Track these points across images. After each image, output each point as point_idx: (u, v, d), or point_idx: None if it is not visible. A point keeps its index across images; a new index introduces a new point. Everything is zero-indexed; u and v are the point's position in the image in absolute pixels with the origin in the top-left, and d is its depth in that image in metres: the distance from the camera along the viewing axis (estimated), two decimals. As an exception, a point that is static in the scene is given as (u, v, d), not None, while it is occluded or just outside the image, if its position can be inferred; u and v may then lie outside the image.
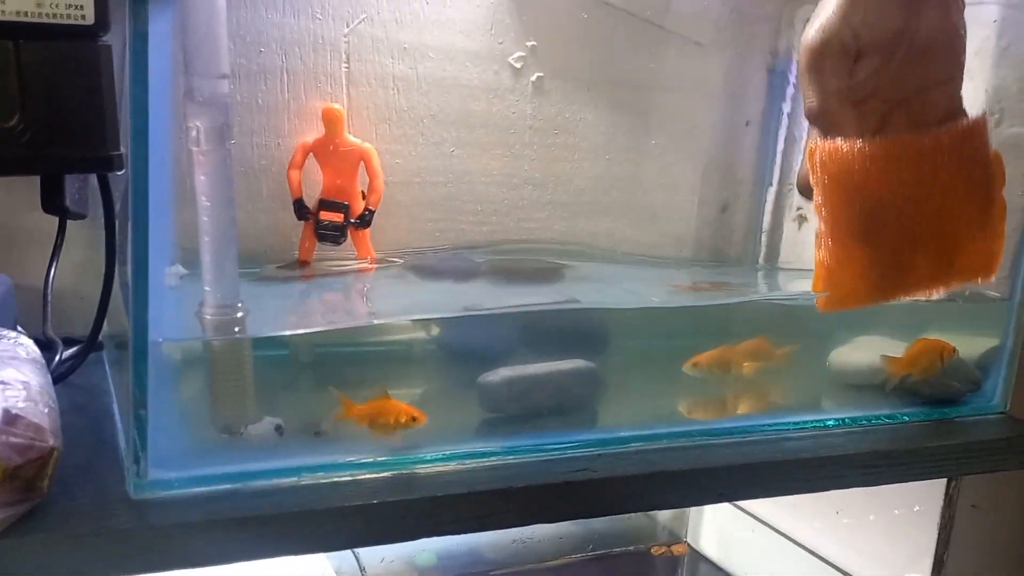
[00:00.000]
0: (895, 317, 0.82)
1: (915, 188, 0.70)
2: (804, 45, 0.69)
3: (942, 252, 0.72)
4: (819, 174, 0.69)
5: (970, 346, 0.83)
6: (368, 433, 0.62)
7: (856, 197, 0.69)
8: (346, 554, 0.91)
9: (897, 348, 0.81)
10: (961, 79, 0.72)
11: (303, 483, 0.58)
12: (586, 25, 0.95)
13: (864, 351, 0.82)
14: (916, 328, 0.82)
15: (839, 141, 0.68)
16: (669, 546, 1.15)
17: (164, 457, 0.54)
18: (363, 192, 0.85)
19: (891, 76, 0.71)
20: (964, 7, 0.70)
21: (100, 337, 0.72)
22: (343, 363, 0.67)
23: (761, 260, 1.07)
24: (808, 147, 0.70)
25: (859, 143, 0.69)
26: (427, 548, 1.04)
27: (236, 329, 0.58)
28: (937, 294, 0.75)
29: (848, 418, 0.76)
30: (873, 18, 0.68)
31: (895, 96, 0.71)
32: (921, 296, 0.74)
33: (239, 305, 0.57)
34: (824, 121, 0.69)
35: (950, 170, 0.71)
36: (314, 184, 0.85)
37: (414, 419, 0.62)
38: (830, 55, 0.68)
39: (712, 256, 1.07)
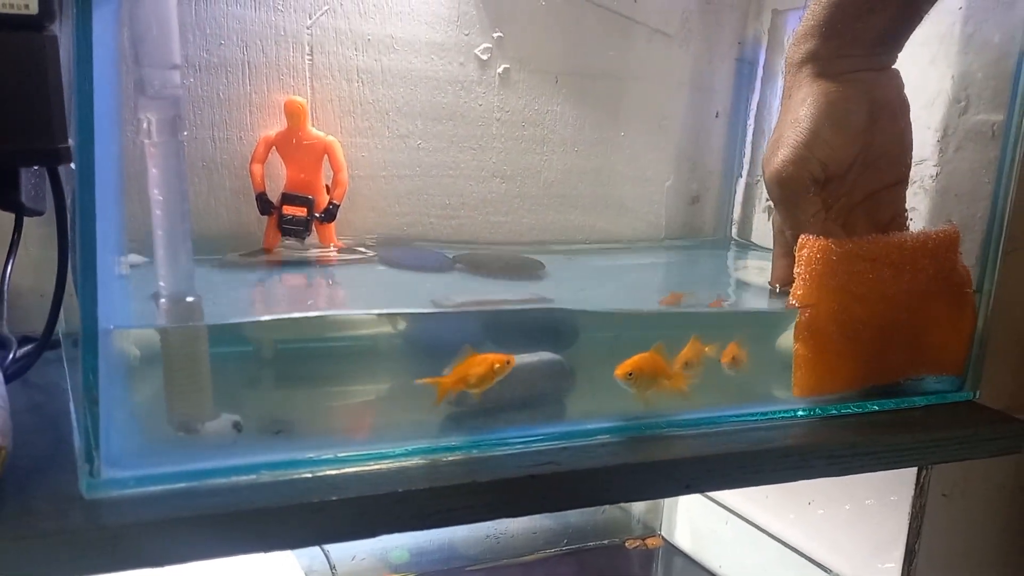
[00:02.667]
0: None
1: (893, 286, 0.75)
2: (775, 178, 0.74)
3: (913, 347, 0.77)
4: (804, 269, 0.73)
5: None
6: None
7: (838, 293, 0.73)
8: (316, 553, 0.90)
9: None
10: (907, 180, 0.78)
11: (262, 480, 0.57)
12: (553, 16, 0.94)
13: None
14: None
15: (828, 241, 0.72)
16: (643, 539, 1.15)
17: (118, 455, 0.53)
18: (327, 186, 0.84)
19: (850, 185, 0.76)
20: (909, 109, 0.77)
21: (59, 335, 0.71)
22: (305, 358, 0.66)
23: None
24: (799, 242, 0.73)
25: (847, 243, 0.73)
26: (400, 545, 1.04)
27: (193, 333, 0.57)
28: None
29: (817, 408, 0.76)
30: (838, 151, 0.74)
31: (853, 200, 0.77)
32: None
33: (194, 298, 0.56)
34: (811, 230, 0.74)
35: (928, 272, 0.76)
36: (278, 178, 0.84)
37: (508, 362, 0.64)
38: (802, 189, 0.74)
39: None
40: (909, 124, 0.77)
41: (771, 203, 0.84)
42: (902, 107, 0.77)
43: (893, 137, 0.76)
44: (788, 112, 0.76)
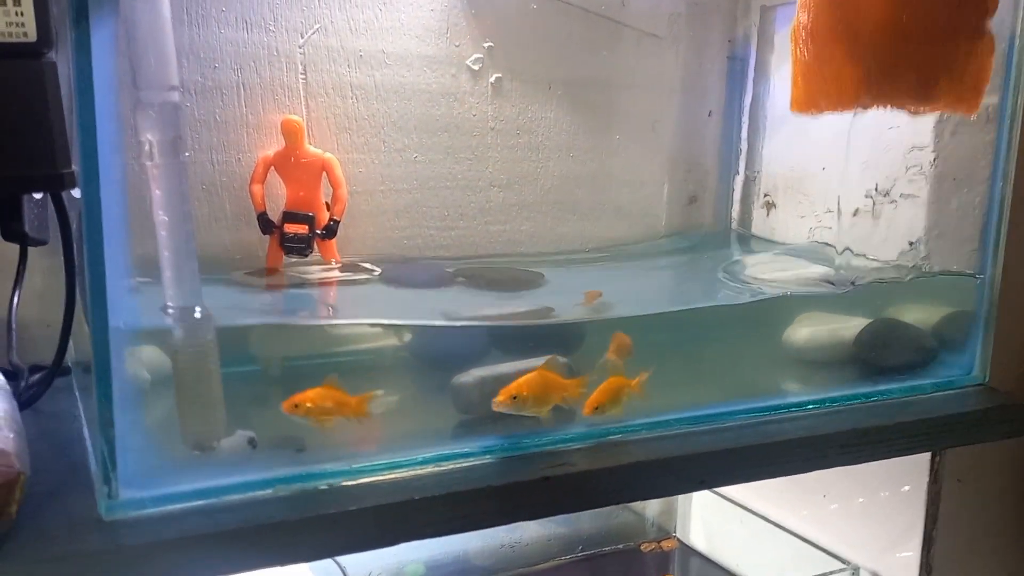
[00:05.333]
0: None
1: None
2: None
3: (926, 71, 0.71)
4: None
5: (925, 315, 0.84)
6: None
7: None
8: (332, 568, 0.90)
9: (837, 321, 0.81)
10: None
11: (279, 495, 0.57)
12: (542, 24, 0.95)
13: (813, 326, 0.82)
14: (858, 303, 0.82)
15: None
16: (659, 542, 1.14)
17: (135, 476, 0.53)
18: (327, 203, 0.85)
19: None
20: None
21: (69, 362, 0.72)
22: (313, 374, 0.66)
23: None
24: None
25: None
26: (415, 558, 1.03)
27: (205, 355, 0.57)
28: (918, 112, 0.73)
29: (827, 399, 0.76)
30: None
31: None
32: (900, 109, 0.72)
33: (203, 314, 0.56)
34: None
35: None
36: (278, 197, 0.84)
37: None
38: None
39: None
40: None
41: (768, 199, 0.83)
42: None
43: None
44: None
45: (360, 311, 0.83)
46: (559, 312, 0.79)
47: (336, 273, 0.85)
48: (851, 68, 0.69)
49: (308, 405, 0.60)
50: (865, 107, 0.70)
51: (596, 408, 0.66)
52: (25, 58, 0.52)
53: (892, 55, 0.70)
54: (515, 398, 0.63)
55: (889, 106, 0.71)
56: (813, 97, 0.69)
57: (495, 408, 0.63)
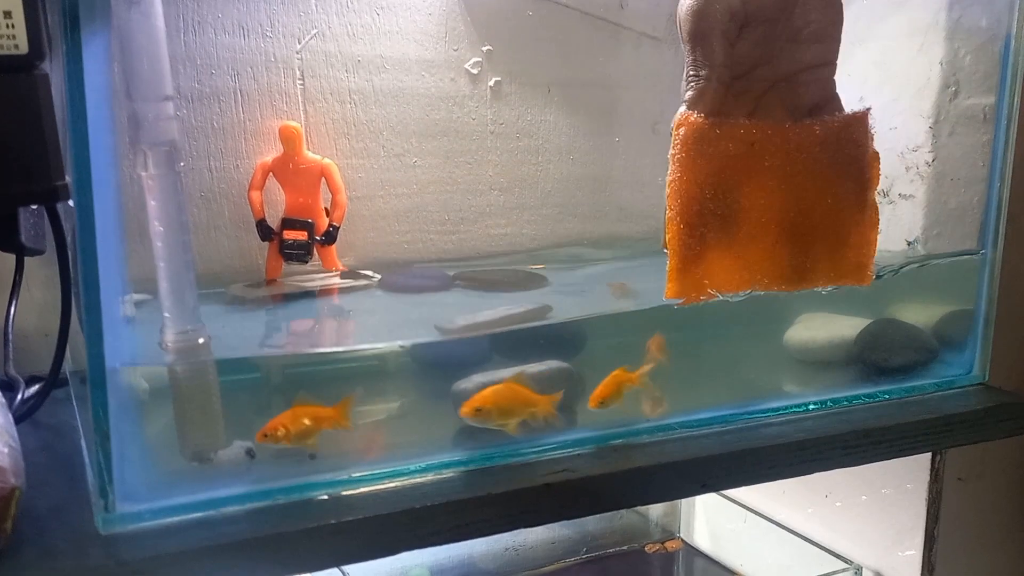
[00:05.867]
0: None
1: (783, 178, 0.68)
2: (689, 8, 0.65)
3: (809, 250, 0.70)
4: (680, 149, 0.65)
5: (924, 315, 0.84)
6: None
7: (717, 179, 0.66)
8: (335, 574, 0.90)
9: (840, 322, 0.81)
10: (835, 65, 0.70)
11: (278, 504, 0.57)
12: (541, 27, 0.95)
13: (815, 328, 0.82)
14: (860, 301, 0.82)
15: (711, 119, 0.65)
16: (663, 543, 1.14)
17: (132, 489, 0.53)
18: (326, 209, 0.84)
19: (770, 53, 0.68)
20: None
21: (66, 373, 0.72)
22: (314, 383, 0.66)
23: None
24: (676, 119, 0.65)
25: (732, 123, 0.65)
26: (419, 564, 1.03)
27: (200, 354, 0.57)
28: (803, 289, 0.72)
29: (828, 400, 0.76)
30: None
31: (771, 76, 0.68)
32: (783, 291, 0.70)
33: (200, 330, 0.56)
34: (702, 94, 0.65)
35: (823, 164, 0.68)
36: (277, 204, 0.84)
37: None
38: (718, 22, 0.65)
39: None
40: (840, 4, 0.68)
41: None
42: None
43: (819, 8, 0.67)
44: None
45: (358, 322, 0.83)
46: (560, 312, 0.79)
47: (336, 281, 0.85)
48: (728, 257, 0.68)
49: (280, 432, 0.59)
50: (740, 292, 0.69)
51: (601, 402, 0.66)
52: (17, 71, 0.52)
53: (769, 241, 0.69)
54: (479, 410, 0.63)
55: (770, 289, 0.70)
56: (691, 286, 0.67)
57: (462, 416, 0.63)
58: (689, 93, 0.66)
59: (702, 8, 0.64)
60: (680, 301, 0.67)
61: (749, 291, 0.69)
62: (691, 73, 0.66)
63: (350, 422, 0.62)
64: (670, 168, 0.65)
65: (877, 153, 0.70)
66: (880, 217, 0.71)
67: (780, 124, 0.67)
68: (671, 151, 0.65)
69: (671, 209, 0.65)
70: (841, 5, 0.68)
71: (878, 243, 0.72)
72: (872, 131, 0.69)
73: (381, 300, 0.84)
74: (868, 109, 0.69)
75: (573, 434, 0.67)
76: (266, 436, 0.59)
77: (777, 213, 0.68)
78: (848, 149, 0.69)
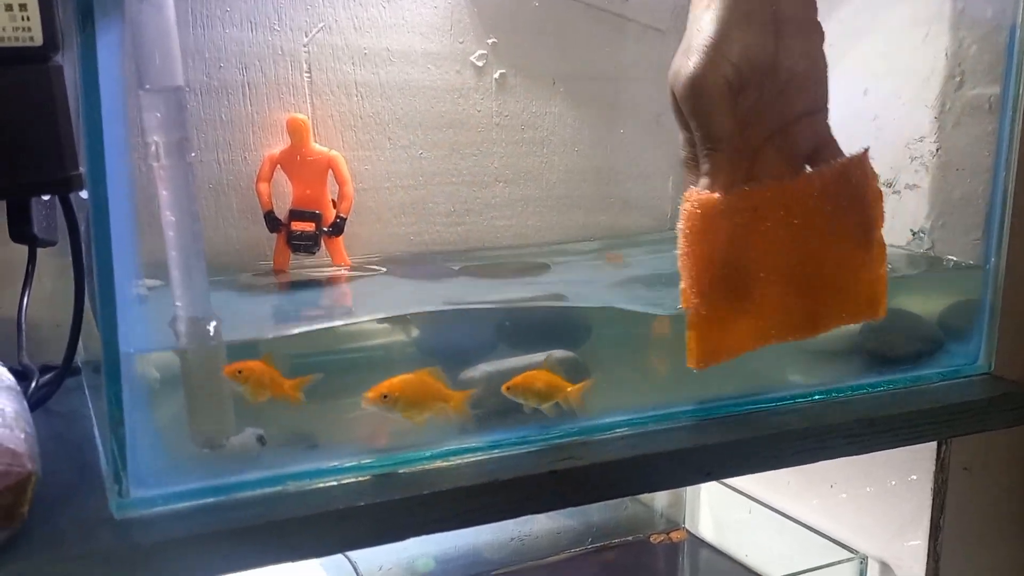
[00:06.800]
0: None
1: (789, 234, 0.69)
2: (689, 86, 0.65)
3: (820, 296, 0.71)
4: (687, 225, 0.66)
5: (930, 305, 0.84)
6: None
7: (726, 249, 0.67)
8: (343, 564, 0.91)
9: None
10: (827, 110, 0.70)
11: (288, 491, 0.58)
12: (545, 19, 0.95)
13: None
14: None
15: (716, 195, 0.66)
16: (668, 533, 1.15)
17: (145, 474, 0.54)
18: (333, 200, 0.85)
19: (763, 110, 0.68)
20: (824, 38, 0.69)
21: (79, 362, 0.72)
22: (322, 370, 0.66)
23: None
24: (689, 197, 0.66)
25: (736, 193, 0.66)
26: (425, 553, 1.04)
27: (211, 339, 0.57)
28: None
29: (833, 389, 0.76)
30: (750, 49, 0.66)
31: (765, 130, 0.69)
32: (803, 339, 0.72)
33: (212, 317, 0.57)
34: (719, 169, 0.66)
35: (826, 212, 0.69)
36: (284, 195, 0.85)
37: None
38: (719, 95, 0.65)
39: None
40: (822, 48, 0.69)
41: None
42: (811, 26, 0.69)
43: (803, 56, 0.68)
44: (693, 23, 0.68)
45: (365, 306, 0.83)
46: (568, 300, 0.79)
47: (344, 274, 0.86)
48: (745, 318, 0.69)
49: (243, 374, 0.59)
50: (760, 347, 0.70)
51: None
52: (32, 62, 0.52)
53: (782, 296, 0.70)
54: (385, 397, 0.61)
55: (786, 341, 0.71)
56: (711, 354, 0.68)
57: (364, 405, 0.62)
58: (706, 166, 0.66)
59: (700, 83, 0.65)
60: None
61: (766, 345, 0.70)
62: (706, 150, 0.66)
63: (299, 400, 0.62)
64: (680, 242, 0.66)
65: (880, 191, 0.71)
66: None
67: (779, 183, 0.68)
68: (680, 225, 0.66)
69: (684, 281, 0.66)
70: (823, 51, 0.69)
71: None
72: (873, 172, 0.70)
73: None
74: (866, 150, 0.69)
75: (578, 422, 0.68)
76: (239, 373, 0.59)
77: (786, 268, 0.69)
78: (849, 192, 0.70)
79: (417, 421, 0.63)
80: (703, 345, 0.67)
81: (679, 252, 0.67)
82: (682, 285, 0.66)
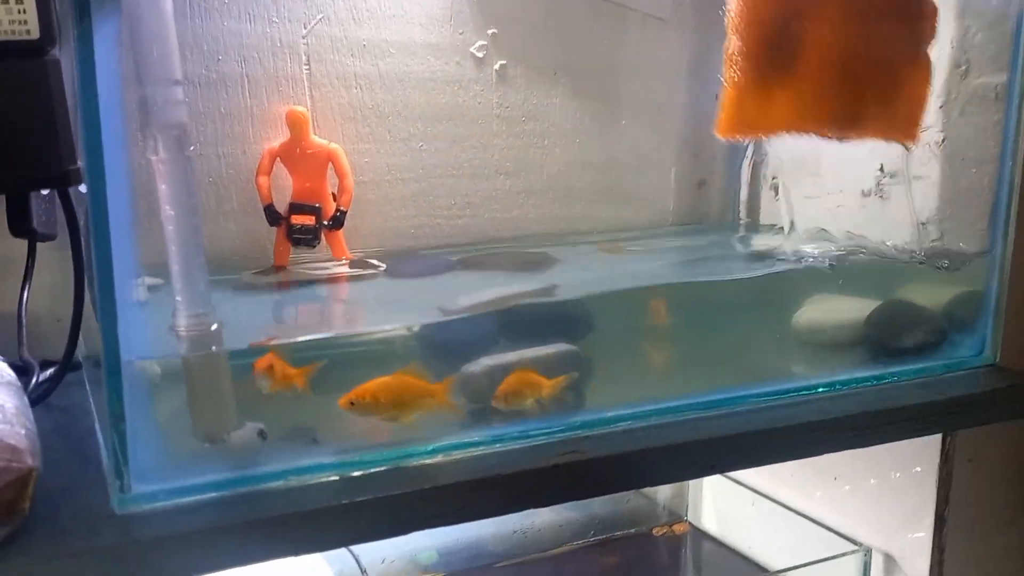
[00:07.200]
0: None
1: (843, 16, 0.67)
2: None
3: (862, 97, 0.70)
4: None
5: (935, 296, 0.84)
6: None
7: (778, 17, 0.66)
8: (346, 557, 0.90)
9: (852, 304, 0.81)
10: None
11: (290, 485, 0.57)
12: (546, 9, 0.95)
13: (826, 309, 0.82)
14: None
15: None
16: (670, 526, 1.15)
17: (147, 470, 0.54)
18: (334, 193, 0.85)
19: None
20: None
21: (79, 357, 0.72)
22: (324, 367, 0.66)
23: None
24: None
25: None
26: (428, 546, 1.04)
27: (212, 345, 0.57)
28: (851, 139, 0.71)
29: (837, 382, 0.76)
30: None
31: None
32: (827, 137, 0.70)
33: (211, 314, 0.57)
34: None
35: (879, 12, 0.68)
36: (284, 189, 0.84)
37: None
38: None
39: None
40: None
41: (775, 180, 0.81)
42: None
43: None
44: None
45: (366, 307, 0.83)
46: (566, 291, 0.79)
47: (343, 270, 0.85)
48: (783, 93, 0.68)
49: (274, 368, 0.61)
50: (791, 133, 0.69)
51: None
52: (29, 56, 0.52)
53: (823, 81, 0.68)
54: (353, 404, 0.60)
55: (816, 133, 0.70)
56: (742, 123, 0.68)
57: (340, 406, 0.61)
58: None
59: None
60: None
61: (795, 134, 0.69)
62: None
63: (305, 381, 0.62)
64: (735, 4, 0.65)
65: (935, 6, 0.70)
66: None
67: None
68: None
69: (732, 41, 0.65)
70: None
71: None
72: None
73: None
74: None
75: (580, 416, 0.67)
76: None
77: (834, 53, 0.68)
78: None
79: (404, 421, 0.63)
80: (737, 113, 0.67)
81: (732, 11, 0.66)
82: (727, 47, 0.65)
